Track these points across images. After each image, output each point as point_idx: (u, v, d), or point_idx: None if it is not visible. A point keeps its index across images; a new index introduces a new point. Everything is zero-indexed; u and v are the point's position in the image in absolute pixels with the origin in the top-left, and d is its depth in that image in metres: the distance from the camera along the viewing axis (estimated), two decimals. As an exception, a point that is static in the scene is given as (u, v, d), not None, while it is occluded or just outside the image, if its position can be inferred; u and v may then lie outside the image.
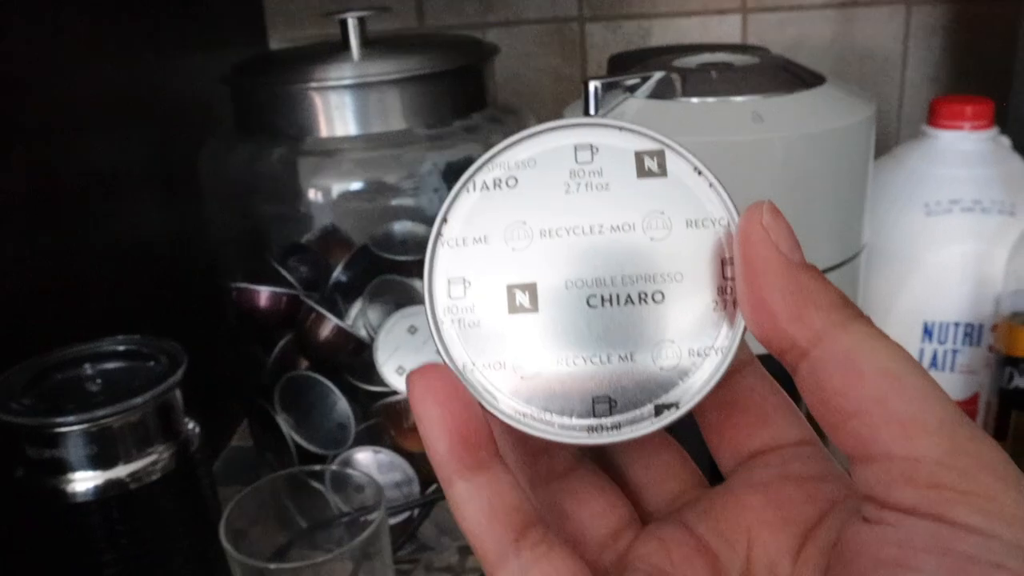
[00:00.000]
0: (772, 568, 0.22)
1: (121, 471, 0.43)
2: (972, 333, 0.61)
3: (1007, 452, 0.19)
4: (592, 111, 0.43)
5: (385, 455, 0.56)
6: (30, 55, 0.52)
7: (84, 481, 0.42)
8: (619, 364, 0.22)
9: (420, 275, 0.56)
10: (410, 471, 0.57)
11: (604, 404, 0.22)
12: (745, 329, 0.22)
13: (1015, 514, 0.17)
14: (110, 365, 0.47)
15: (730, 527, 0.23)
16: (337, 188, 0.56)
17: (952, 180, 0.60)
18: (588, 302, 0.22)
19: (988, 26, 0.83)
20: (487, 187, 0.23)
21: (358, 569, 0.44)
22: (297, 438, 0.58)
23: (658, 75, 0.45)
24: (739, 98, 0.44)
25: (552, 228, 0.22)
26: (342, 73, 0.54)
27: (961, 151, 0.61)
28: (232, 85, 0.58)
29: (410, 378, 0.21)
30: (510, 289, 0.22)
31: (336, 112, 0.54)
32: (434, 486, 0.57)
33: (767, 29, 0.84)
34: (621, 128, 0.22)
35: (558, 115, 0.60)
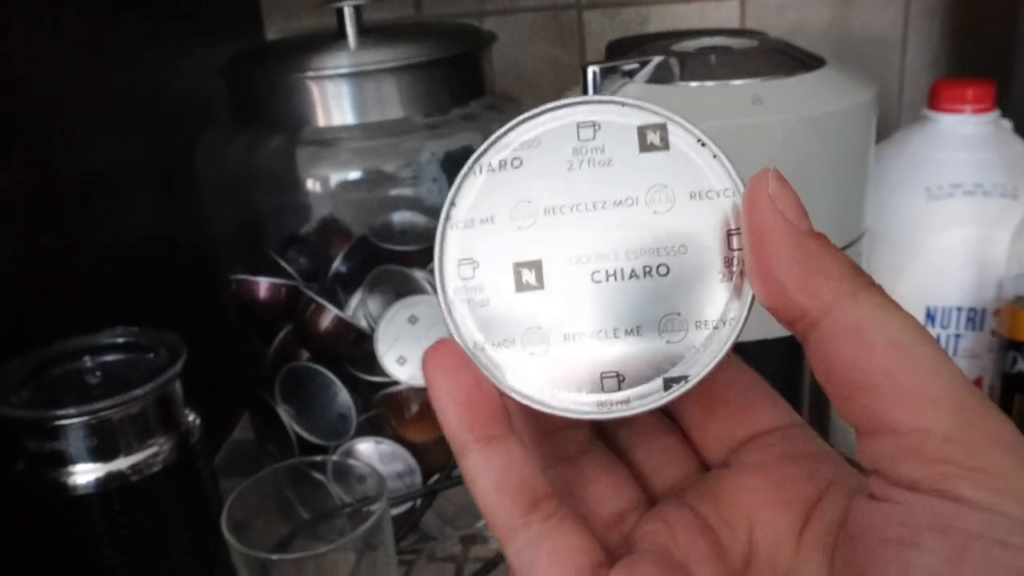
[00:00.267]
0: (775, 549, 0.22)
1: (122, 463, 0.43)
2: (975, 318, 0.60)
3: None
4: (591, 95, 0.42)
5: (387, 445, 0.56)
6: (28, 53, 0.51)
7: (85, 474, 0.42)
8: (626, 339, 0.22)
9: (420, 265, 0.56)
10: (412, 461, 0.56)
11: (612, 379, 0.22)
12: (753, 300, 0.21)
13: (1023, 490, 0.17)
14: (110, 357, 0.46)
15: (731, 509, 0.23)
16: (335, 178, 0.56)
17: (953, 164, 0.60)
18: (593, 278, 0.22)
19: (988, 9, 0.82)
20: (492, 169, 0.23)
21: (360, 560, 0.43)
22: (298, 429, 0.58)
23: (657, 60, 0.45)
24: (738, 81, 0.44)
25: (556, 206, 0.22)
26: (339, 62, 0.53)
27: (962, 134, 0.60)
28: (229, 76, 0.58)
29: (424, 357, 0.22)
30: (516, 268, 0.22)
31: (333, 101, 0.54)
32: (436, 476, 0.57)
33: (765, 14, 0.84)
34: (623, 104, 0.22)
35: (557, 102, 0.60)
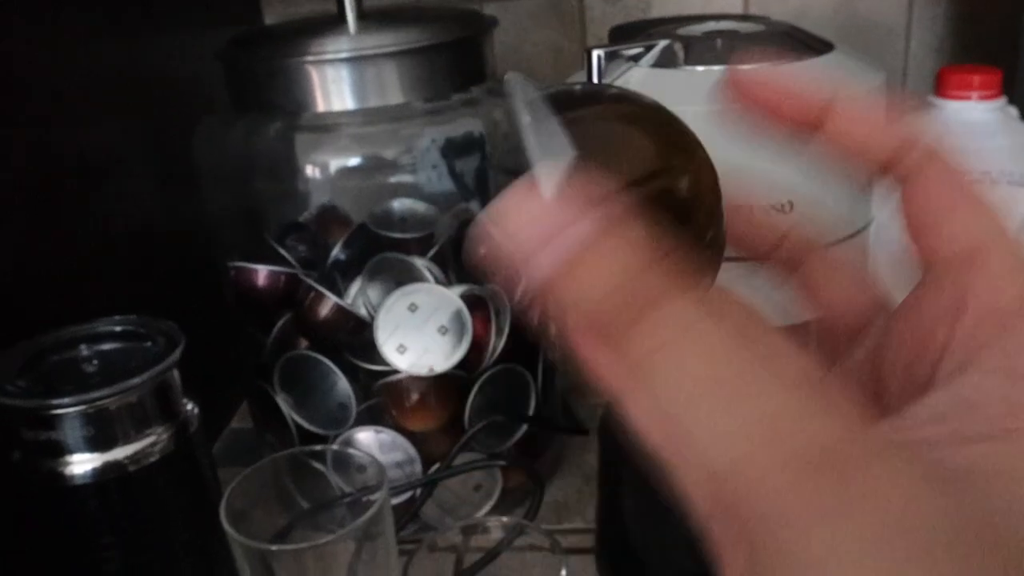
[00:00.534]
0: None
1: (119, 453, 0.42)
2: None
3: None
4: (595, 81, 0.42)
5: (387, 435, 0.56)
6: (23, 39, 0.51)
7: (82, 464, 0.42)
8: None
9: (420, 252, 0.56)
10: (412, 451, 0.56)
11: None
12: None
13: None
14: (107, 346, 0.46)
15: None
16: (335, 164, 0.55)
17: (960, 151, 0.59)
18: None
19: (993, -5, 0.81)
20: None
21: (360, 550, 0.43)
22: (297, 418, 0.57)
23: (662, 44, 0.44)
24: (745, 66, 0.43)
25: None
26: (338, 46, 0.53)
27: (969, 121, 0.60)
28: (227, 60, 0.57)
29: None
30: None
31: (333, 86, 0.53)
32: (436, 465, 0.56)
33: (769, 1, 0.83)
34: None
35: (558, 89, 0.59)
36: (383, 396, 0.56)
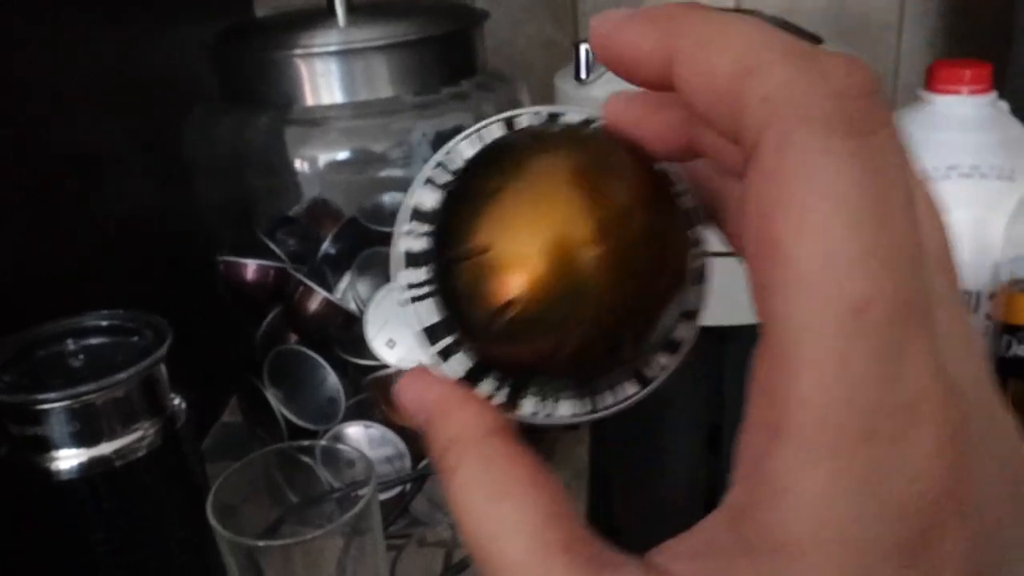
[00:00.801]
0: None
1: (106, 448, 0.42)
2: (970, 301, 0.60)
3: None
4: (584, 75, 0.41)
5: (376, 429, 0.56)
6: (9, 30, 0.50)
7: (68, 459, 0.41)
8: None
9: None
10: (401, 445, 0.56)
11: None
12: None
13: None
14: (93, 340, 0.46)
15: None
16: (324, 158, 0.55)
17: (950, 145, 0.59)
18: None
19: (986, -10, 0.81)
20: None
21: (349, 545, 0.43)
22: (287, 413, 0.57)
23: (651, 38, 0.44)
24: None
25: None
26: (328, 40, 0.52)
27: (959, 116, 0.60)
28: (216, 53, 0.57)
29: None
30: None
31: (322, 80, 0.53)
32: (426, 460, 0.56)
33: (761, -6, 0.83)
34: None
35: (550, 83, 0.59)
36: (372, 391, 0.56)
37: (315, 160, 0.55)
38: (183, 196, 0.60)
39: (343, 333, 0.55)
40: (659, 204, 0.20)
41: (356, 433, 0.56)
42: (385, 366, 0.54)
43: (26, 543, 0.44)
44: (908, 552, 0.14)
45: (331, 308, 0.55)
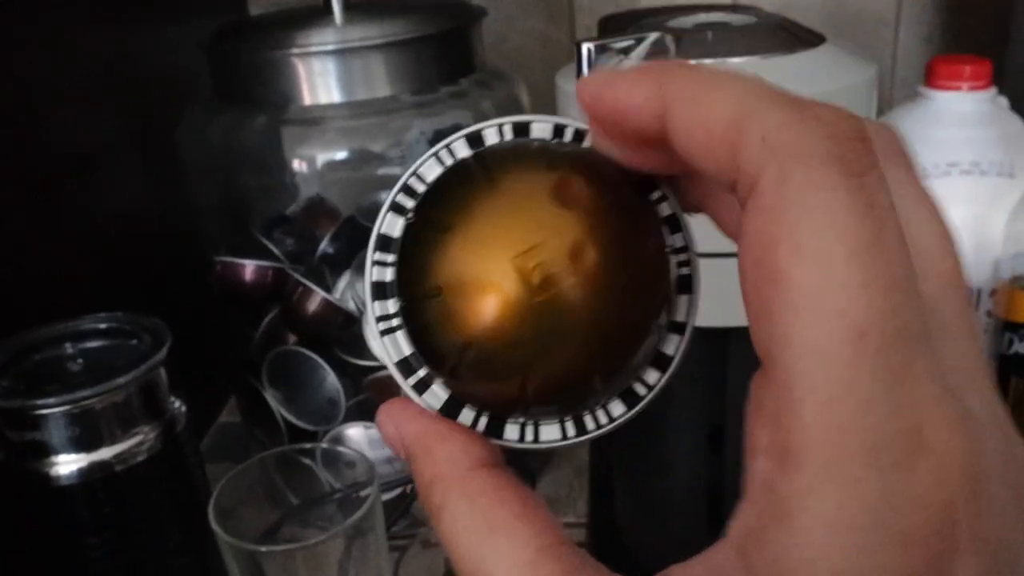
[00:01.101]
0: None
1: (105, 453, 0.42)
2: (971, 298, 0.60)
3: None
4: (585, 74, 0.41)
5: (376, 430, 0.55)
6: (7, 29, 0.50)
7: (68, 464, 0.41)
8: None
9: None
10: (402, 446, 0.56)
11: None
12: None
13: None
14: (92, 344, 0.45)
15: None
16: (322, 158, 0.55)
17: (950, 142, 0.59)
18: None
19: (983, -15, 0.81)
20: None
21: (351, 547, 0.43)
22: (286, 414, 0.57)
23: (653, 36, 0.43)
24: (737, 59, 0.43)
25: None
26: (325, 38, 0.52)
27: (959, 112, 0.60)
28: (211, 52, 0.56)
29: None
30: None
31: (319, 79, 0.53)
32: (427, 461, 0.56)
33: (758, -10, 0.82)
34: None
35: (547, 79, 0.59)
36: (372, 391, 0.55)
37: (312, 160, 0.55)
38: (178, 196, 0.60)
39: (342, 333, 0.55)
40: (629, 220, 0.19)
41: (356, 434, 0.55)
42: (385, 367, 0.54)
43: (26, 549, 0.43)
44: None
45: (330, 308, 0.54)
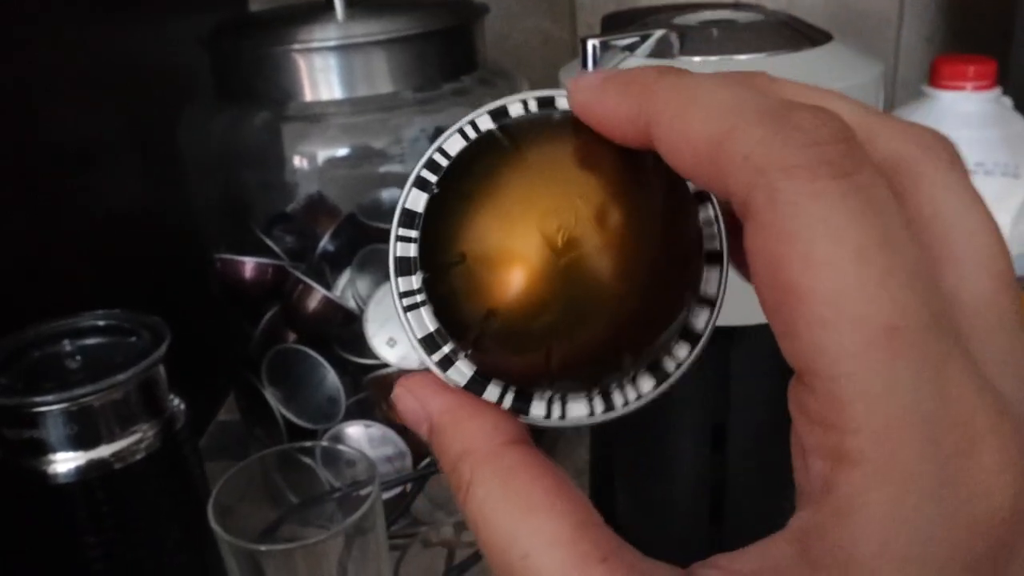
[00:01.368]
0: None
1: (104, 451, 0.41)
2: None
3: None
4: (590, 71, 0.41)
5: (376, 429, 0.55)
6: (5, 26, 0.49)
7: (66, 462, 0.41)
8: None
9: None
10: (402, 445, 0.55)
11: None
12: None
13: None
14: (90, 341, 0.45)
15: None
16: (323, 155, 0.54)
17: (954, 142, 0.59)
18: None
19: (986, -16, 0.81)
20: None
21: (351, 545, 0.42)
22: (286, 412, 0.57)
23: (658, 33, 0.43)
24: (742, 56, 0.42)
25: None
26: (326, 34, 0.52)
27: (963, 112, 0.59)
28: (212, 48, 0.56)
29: None
30: None
31: (320, 75, 0.52)
32: (427, 460, 0.56)
33: (761, -12, 0.82)
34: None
35: (548, 77, 0.58)
36: (373, 390, 0.55)
37: (313, 156, 0.54)
38: (178, 193, 0.59)
39: (343, 331, 0.55)
40: (658, 188, 0.19)
41: (356, 433, 0.55)
42: (386, 365, 0.54)
43: (24, 548, 0.43)
44: (978, 572, 0.14)
45: (330, 306, 0.54)
